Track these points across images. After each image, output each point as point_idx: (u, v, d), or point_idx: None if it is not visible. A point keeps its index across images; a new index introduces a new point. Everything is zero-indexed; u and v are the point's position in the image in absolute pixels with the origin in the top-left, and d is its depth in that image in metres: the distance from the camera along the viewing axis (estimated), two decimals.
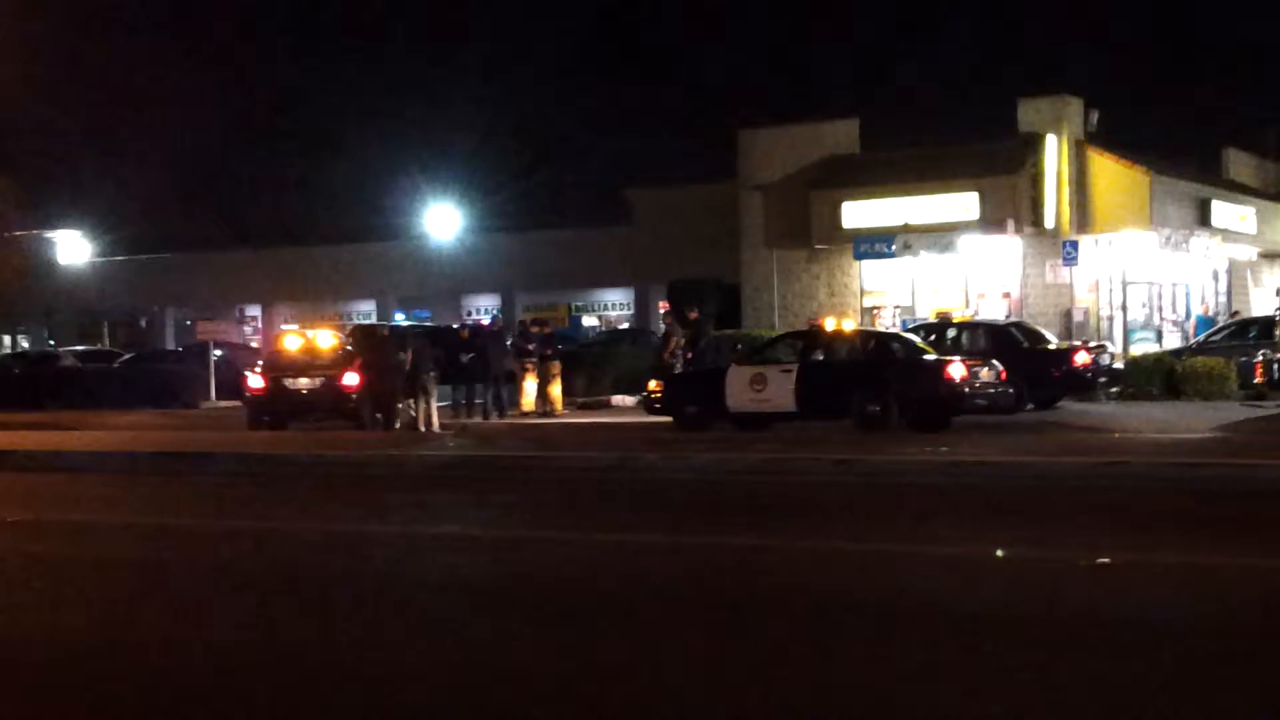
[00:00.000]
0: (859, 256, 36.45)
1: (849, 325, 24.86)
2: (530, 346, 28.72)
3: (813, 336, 23.39)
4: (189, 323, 50.05)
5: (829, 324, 23.66)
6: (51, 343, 50.71)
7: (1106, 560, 8.96)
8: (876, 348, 22.98)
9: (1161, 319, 36.76)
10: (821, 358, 22.51)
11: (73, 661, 6.83)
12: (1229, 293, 39.27)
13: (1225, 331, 30.63)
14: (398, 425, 24.74)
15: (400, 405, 24.96)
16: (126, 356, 41.81)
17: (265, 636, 7.30)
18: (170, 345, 50.68)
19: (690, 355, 27.02)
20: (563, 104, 78.37)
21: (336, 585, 8.81)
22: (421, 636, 7.26)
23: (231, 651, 6.93)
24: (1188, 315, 37.32)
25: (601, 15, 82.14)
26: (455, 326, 37.40)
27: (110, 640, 7.28)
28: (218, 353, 37.82)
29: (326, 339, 27.65)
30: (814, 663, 6.46)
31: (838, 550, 9.93)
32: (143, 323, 55.02)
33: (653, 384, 24.33)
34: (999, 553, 9.57)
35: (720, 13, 72.85)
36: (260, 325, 52.07)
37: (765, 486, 14.64)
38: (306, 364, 26.07)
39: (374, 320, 48.72)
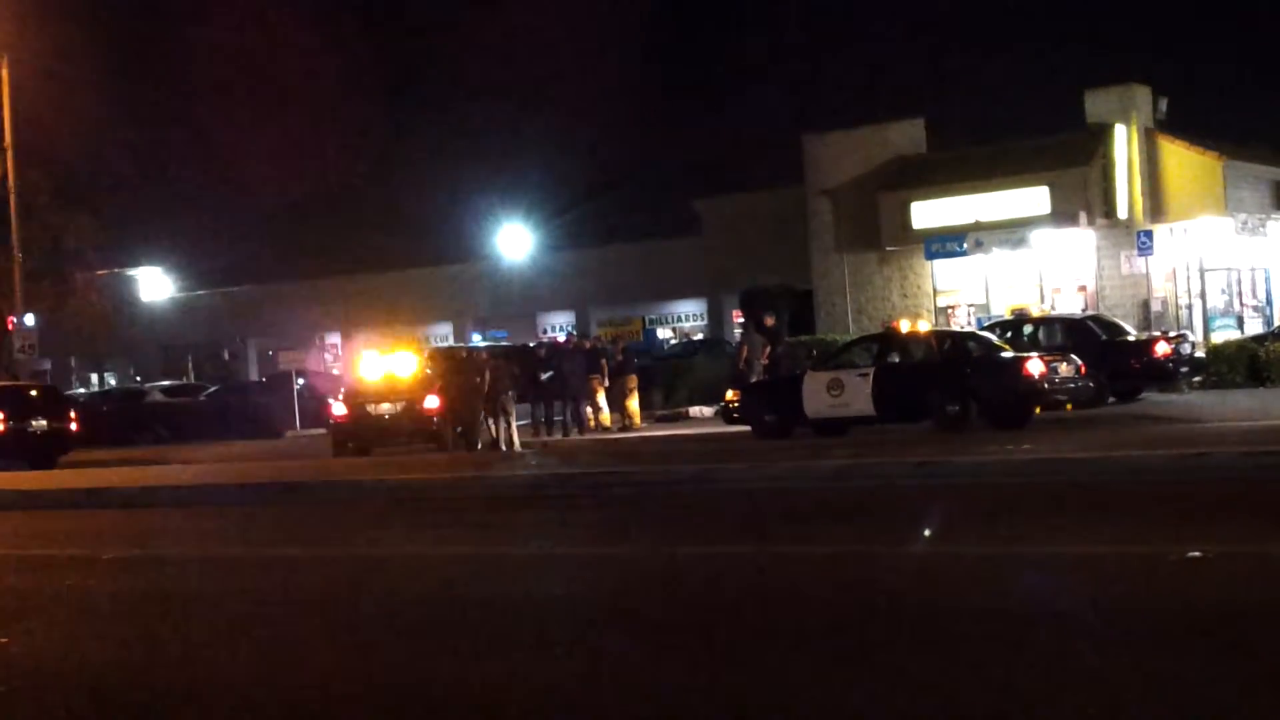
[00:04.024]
0: (930, 256, 36.36)
1: (923, 326, 24.81)
2: (604, 361, 28.97)
3: (887, 339, 23.35)
4: (271, 353, 50.80)
5: (903, 326, 23.64)
6: (138, 379, 51.64)
7: (1198, 554, 8.89)
8: (952, 347, 22.90)
9: (1242, 305, 36.32)
10: (897, 360, 22.50)
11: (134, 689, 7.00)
12: None
13: None
14: (479, 446, 24.98)
15: (481, 426, 25.21)
16: (211, 389, 42.54)
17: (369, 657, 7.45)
18: (254, 376, 51.48)
19: (767, 363, 27.09)
20: (628, 120, 78.49)
21: (453, 606, 8.92)
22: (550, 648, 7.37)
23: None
24: (1269, 300, 36.83)
25: (660, 26, 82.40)
26: (532, 345, 37.72)
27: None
28: (300, 381, 38.35)
29: (406, 363, 27.76)
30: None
31: (933, 555, 9.91)
32: (226, 355, 55.89)
33: (730, 394, 24.41)
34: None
35: (773, 18, 73.08)
36: (341, 352, 52.74)
37: (848, 493, 14.61)
38: (387, 389, 26.36)
39: (451, 342, 49.23)
